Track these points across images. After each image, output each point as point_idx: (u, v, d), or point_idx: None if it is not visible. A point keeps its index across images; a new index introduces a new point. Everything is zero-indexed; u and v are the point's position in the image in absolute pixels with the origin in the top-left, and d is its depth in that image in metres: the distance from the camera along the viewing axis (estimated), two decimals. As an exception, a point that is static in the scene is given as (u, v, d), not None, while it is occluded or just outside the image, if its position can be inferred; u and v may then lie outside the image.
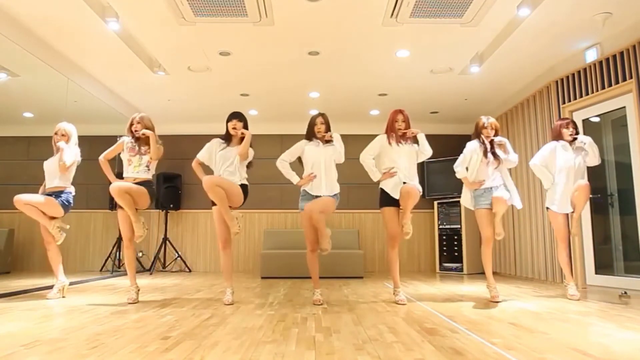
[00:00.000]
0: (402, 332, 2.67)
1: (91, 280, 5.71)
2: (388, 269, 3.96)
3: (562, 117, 4.32)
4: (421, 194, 3.90)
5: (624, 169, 4.70)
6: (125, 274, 6.74)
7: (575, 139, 4.12)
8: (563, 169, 4.07)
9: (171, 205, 7.63)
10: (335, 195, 3.96)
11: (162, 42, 5.03)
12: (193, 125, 7.84)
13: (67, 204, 4.11)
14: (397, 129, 3.96)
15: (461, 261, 7.14)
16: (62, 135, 4.18)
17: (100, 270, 6.86)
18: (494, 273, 7.19)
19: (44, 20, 4.47)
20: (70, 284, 5.39)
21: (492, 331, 2.68)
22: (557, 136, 4.20)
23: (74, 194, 4.19)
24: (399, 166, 3.91)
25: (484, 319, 3.08)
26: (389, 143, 3.96)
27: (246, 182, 3.94)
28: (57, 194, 4.07)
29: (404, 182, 3.86)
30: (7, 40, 4.36)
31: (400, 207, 3.88)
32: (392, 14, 4.37)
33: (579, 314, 3.29)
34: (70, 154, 4.10)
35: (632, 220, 4.53)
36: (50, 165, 4.18)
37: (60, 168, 4.06)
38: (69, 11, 4.25)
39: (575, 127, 4.16)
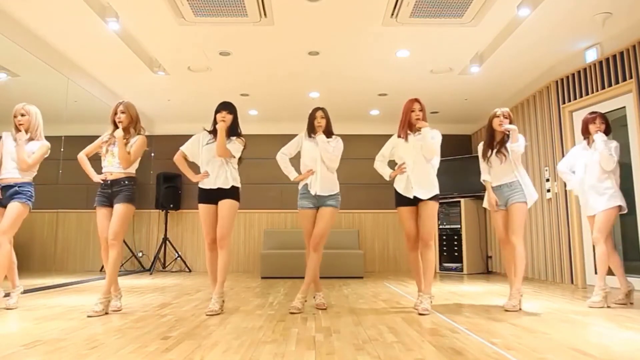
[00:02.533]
0: (402, 332, 2.67)
1: (91, 280, 5.71)
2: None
3: (591, 112, 4.01)
4: (436, 194, 3.53)
5: (624, 169, 4.69)
6: (125, 274, 6.76)
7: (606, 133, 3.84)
8: (582, 169, 3.87)
9: (171, 205, 7.63)
10: (333, 197, 3.68)
11: (162, 42, 5.03)
12: (193, 125, 7.76)
13: (31, 199, 3.66)
14: (416, 119, 3.59)
15: (461, 261, 7.14)
16: (22, 115, 3.69)
17: (100, 270, 6.86)
18: (492, 273, 7.21)
19: (44, 20, 4.47)
20: (71, 284, 5.37)
21: (492, 331, 2.67)
22: (585, 132, 3.95)
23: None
24: (407, 163, 3.58)
25: (484, 319, 3.08)
26: (400, 137, 3.66)
27: (237, 184, 3.60)
28: (19, 185, 3.60)
29: (415, 186, 3.53)
30: (7, 40, 4.36)
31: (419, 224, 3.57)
32: (392, 14, 4.37)
33: (579, 314, 3.28)
34: (38, 152, 3.69)
35: (632, 220, 4.53)
36: (13, 153, 3.66)
37: (24, 167, 3.63)
38: (69, 11, 4.25)
39: (604, 120, 3.84)
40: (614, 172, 3.80)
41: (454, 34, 4.78)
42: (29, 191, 3.64)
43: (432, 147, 3.51)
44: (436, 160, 3.62)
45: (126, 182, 3.45)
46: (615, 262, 3.76)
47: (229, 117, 3.67)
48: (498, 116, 3.76)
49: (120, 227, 3.36)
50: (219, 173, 3.56)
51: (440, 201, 7.74)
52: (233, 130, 3.70)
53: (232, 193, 3.55)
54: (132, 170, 3.54)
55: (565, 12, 4.29)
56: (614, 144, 3.79)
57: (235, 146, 3.61)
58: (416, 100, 3.66)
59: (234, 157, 3.61)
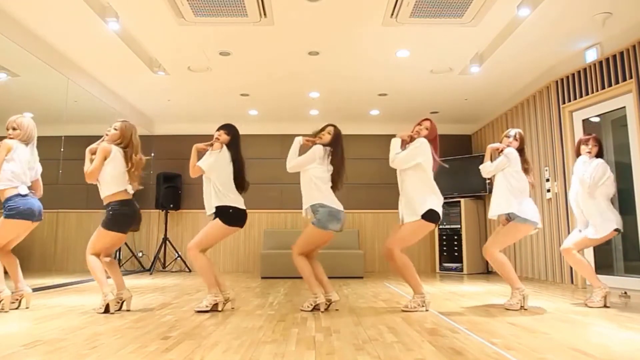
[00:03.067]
0: (402, 332, 2.67)
1: (91, 280, 5.71)
2: None
3: (588, 133, 4.03)
4: (417, 218, 3.44)
5: (624, 169, 4.70)
6: (125, 274, 6.75)
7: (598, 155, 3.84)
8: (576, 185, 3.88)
9: (171, 205, 7.62)
10: (315, 214, 3.49)
11: (162, 42, 5.03)
12: (193, 125, 7.84)
13: (10, 212, 3.38)
14: (416, 132, 3.61)
15: (461, 261, 7.14)
16: (14, 129, 3.54)
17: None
18: (492, 273, 7.21)
19: (44, 20, 4.47)
20: (71, 284, 5.37)
21: (492, 331, 2.67)
22: (577, 153, 3.95)
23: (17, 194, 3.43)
24: (400, 195, 3.64)
25: (484, 319, 3.08)
26: None
27: (223, 203, 3.44)
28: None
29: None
30: (7, 40, 4.36)
31: None
32: (392, 14, 4.36)
33: (579, 314, 3.29)
34: None
35: (632, 220, 4.53)
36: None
37: None
38: (69, 11, 4.25)
39: (597, 143, 3.85)
40: (603, 195, 3.74)
41: (454, 34, 4.78)
42: (8, 207, 3.41)
43: (390, 158, 3.57)
44: (424, 175, 3.51)
45: (107, 208, 3.45)
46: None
47: (224, 137, 3.61)
48: (508, 137, 3.81)
49: (90, 242, 3.44)
50: (206, 196, 3.53)
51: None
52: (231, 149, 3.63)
53: (219, 213, 3.46)
54: (110, 191, 3.42)
55: (565, 12, 4.29)
56: (595, 162, 3.76)
57: (204, 158, 3.50)
58: (428, 119, 3.66)
59: (205, 172, 3.49)
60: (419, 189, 3.49)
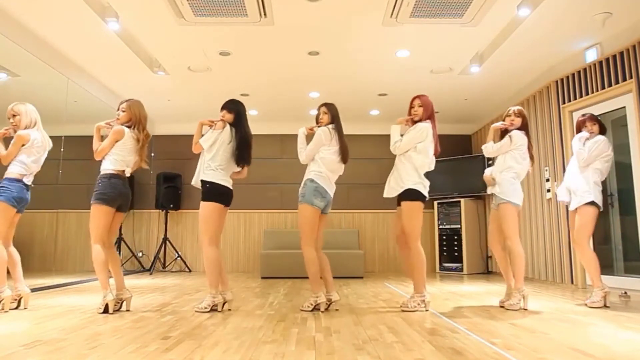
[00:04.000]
0: (402, 332, 2.67)
1: (91, 280, 5.71)
2: None
3: (583, 114, 4.05)
4: (398, 193, 3.54)
5: (624, 169, 4.70)
6: (125, 274, 6.75)
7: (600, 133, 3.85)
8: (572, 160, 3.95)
9: (171, 205, 7.63)
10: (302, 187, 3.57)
11: (162, 42, 5.03)
12: (193, 125, 7.75)
13: (3, 193, 3.37)
14: (414, 114, 3.62)
15: (461, 261, 7.14)
16: (14, 115, 3.56)
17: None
18: (492, 273, 7.22)
19: (44, 20, 4.47)
20: (71, 284, 5.37)
21: (492, 331, 2.67)
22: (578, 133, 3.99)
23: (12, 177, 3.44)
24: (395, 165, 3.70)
25: (484, 319, 3.08)
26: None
27: (205, 177, 3.43)
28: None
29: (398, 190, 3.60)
30: (7, 40, 4.36)
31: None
32: (392, 14, 4.37)
33: (579, 314, 3.29)
34: (12, 144, 3.50)
35: (632, 220, 4.53)
36: None
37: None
38: (69, 11, 4.26)
39: (595, 121, 3.86)
40: (596, 172, 3.74)
41: (454, 34, 4.78)
42: (3, 187, 3.42)
43: (391, 146, 3.61)
44: (417, 157, 3.55)
45: (97, 181, 3.41)
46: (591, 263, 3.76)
47: (228, 116, 3.62)
48: (509, 115, 3.81)
49: (90, 229, 3.33)
50: (197, 169, 3.55)
51: (440, 201, 7.69)
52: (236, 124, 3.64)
53: (202, 191, 3.45)
54: (109, 166, 3.41)
55: (565, 12, 4.29)
56: (596, 138, 3.77)
57: (205, 135, 3.54)
58: (417, 97, 3.68)
59: (203, 149, 3.51)
60: (408, 170, 3.54)
